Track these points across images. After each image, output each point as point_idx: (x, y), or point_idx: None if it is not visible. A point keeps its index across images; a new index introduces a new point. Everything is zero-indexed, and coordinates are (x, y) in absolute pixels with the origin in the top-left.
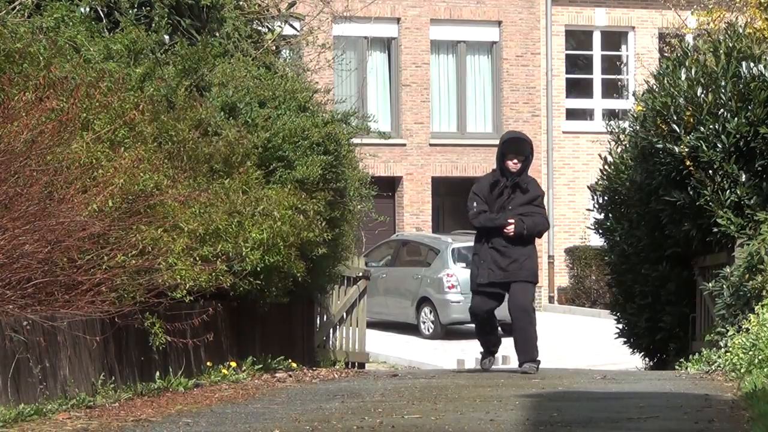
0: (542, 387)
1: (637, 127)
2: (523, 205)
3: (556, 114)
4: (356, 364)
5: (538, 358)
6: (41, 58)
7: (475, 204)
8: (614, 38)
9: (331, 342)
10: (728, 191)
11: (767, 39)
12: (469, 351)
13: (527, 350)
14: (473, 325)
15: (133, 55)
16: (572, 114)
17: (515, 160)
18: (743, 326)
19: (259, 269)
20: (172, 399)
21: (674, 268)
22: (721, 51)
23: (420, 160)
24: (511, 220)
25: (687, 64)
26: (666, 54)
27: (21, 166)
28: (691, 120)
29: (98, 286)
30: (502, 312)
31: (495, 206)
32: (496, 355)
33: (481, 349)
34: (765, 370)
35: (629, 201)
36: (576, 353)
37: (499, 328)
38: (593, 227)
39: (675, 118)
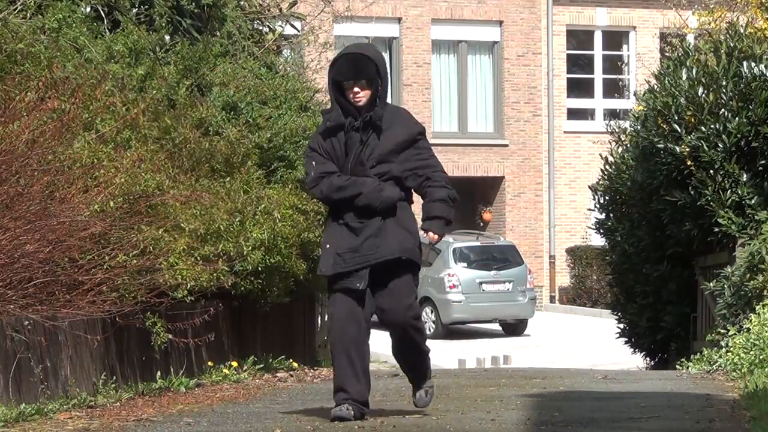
0: (544, 387)
1: (639, 127)
2: (392, 153)
3: (557, 114)
4: None
5: (431, 383)
6: (43, 59)
7: (313, 164)
8: (615, 38)
9: None
10: (729, 191)
11: None
12: (470, 351)
13: (413, 368)
14: (475, 326)
15: (134, 55)
16: (573, 114)
17: (356, 88)
18: (744, 326)
19: (260, 269)
20: (174, 399)
21: (675, 267)
22: (722, 51)
23: None
24: (432, 235)
25: (688, 63)
26: (667, 54)
27: (22, 166)
28: (692, 120)
29: (99, 285)
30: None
31: (348, 163)
32: (365, 406)
33: (338, 387)
34: (766, 369)
35: (630, 201)
36: (577, 353)
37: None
38: (594, 227)
39: (676, 117)
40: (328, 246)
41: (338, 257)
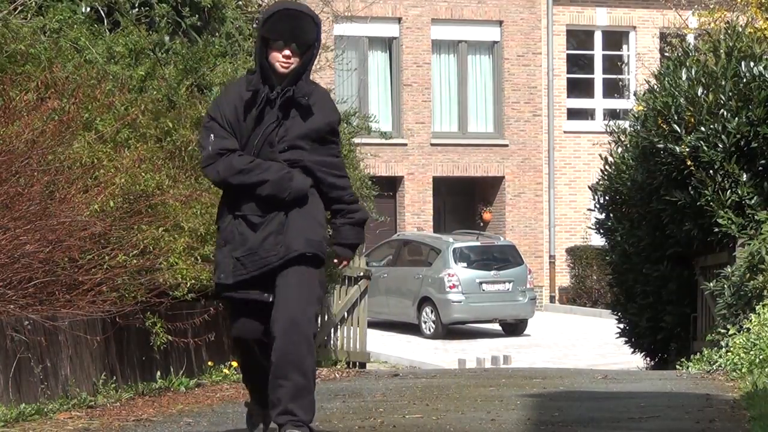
0: (544, 387)
1: (638, 127)
2: (306, 139)
3: (557, 114)
4: (357, 363)
5: (310, 421)
6: (43, 59)
7: (211, 137)
8: (615, 38)
9: (332, 342)
10: (729, 191)
11: None
12: (470, 351)
13: (295, 397)
14: (475, 326)
15: (134, 55)
16: (573, 114)
17: (287, 52)
18: (744, 326)
19: None
20: (174, 399)
21: (675, 267)
22: (722, 51)
23: (421, 160)
24: (344, 261)
25: (688, 64)
26: (667, 54)
27: (22, 166)
28: (692, 120)
29: (99, 285)
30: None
31: (254, 140)
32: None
33: (254, 401)
34: (766, 369)
35: (630, 201)
36: (577, 353)
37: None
38: (594, 227)
39: (676, 117)
40: (225, 247)
41: (238, 262)
